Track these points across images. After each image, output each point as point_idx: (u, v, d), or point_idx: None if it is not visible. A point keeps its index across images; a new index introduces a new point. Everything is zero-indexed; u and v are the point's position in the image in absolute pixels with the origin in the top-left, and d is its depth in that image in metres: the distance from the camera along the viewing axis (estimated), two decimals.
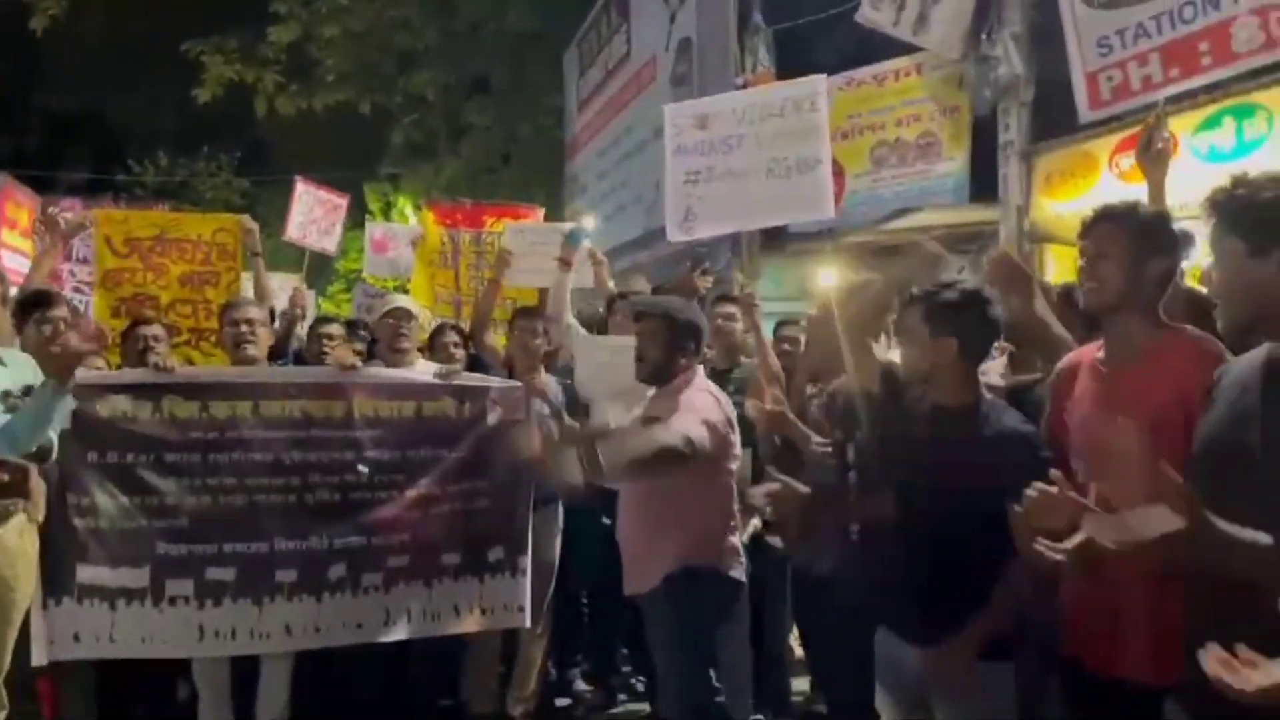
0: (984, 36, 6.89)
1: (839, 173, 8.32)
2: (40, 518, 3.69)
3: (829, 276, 3.75)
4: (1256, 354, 1.95)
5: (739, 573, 3.47)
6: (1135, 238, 2.36)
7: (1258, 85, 5.39)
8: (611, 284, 5.39)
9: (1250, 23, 4.80)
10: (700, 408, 3.28)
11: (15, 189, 9.58)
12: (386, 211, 17.42)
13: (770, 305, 6.84)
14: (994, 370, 3.14)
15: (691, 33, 10.08)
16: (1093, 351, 2.50)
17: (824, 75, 4.60)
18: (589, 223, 5.75)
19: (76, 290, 6.42)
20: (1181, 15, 5.20)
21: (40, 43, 17.72)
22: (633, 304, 3.96)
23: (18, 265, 6.51)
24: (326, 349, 4.64)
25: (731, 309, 4.78)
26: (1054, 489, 1.87)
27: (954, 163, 7.73)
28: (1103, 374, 2.42)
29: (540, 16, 16.36)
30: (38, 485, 3.64)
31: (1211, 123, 5.74)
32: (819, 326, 3.51)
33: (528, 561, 4.39)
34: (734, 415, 3.50)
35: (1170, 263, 2.40)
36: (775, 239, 8.17)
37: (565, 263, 5.05)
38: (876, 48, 7.69)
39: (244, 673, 4.20)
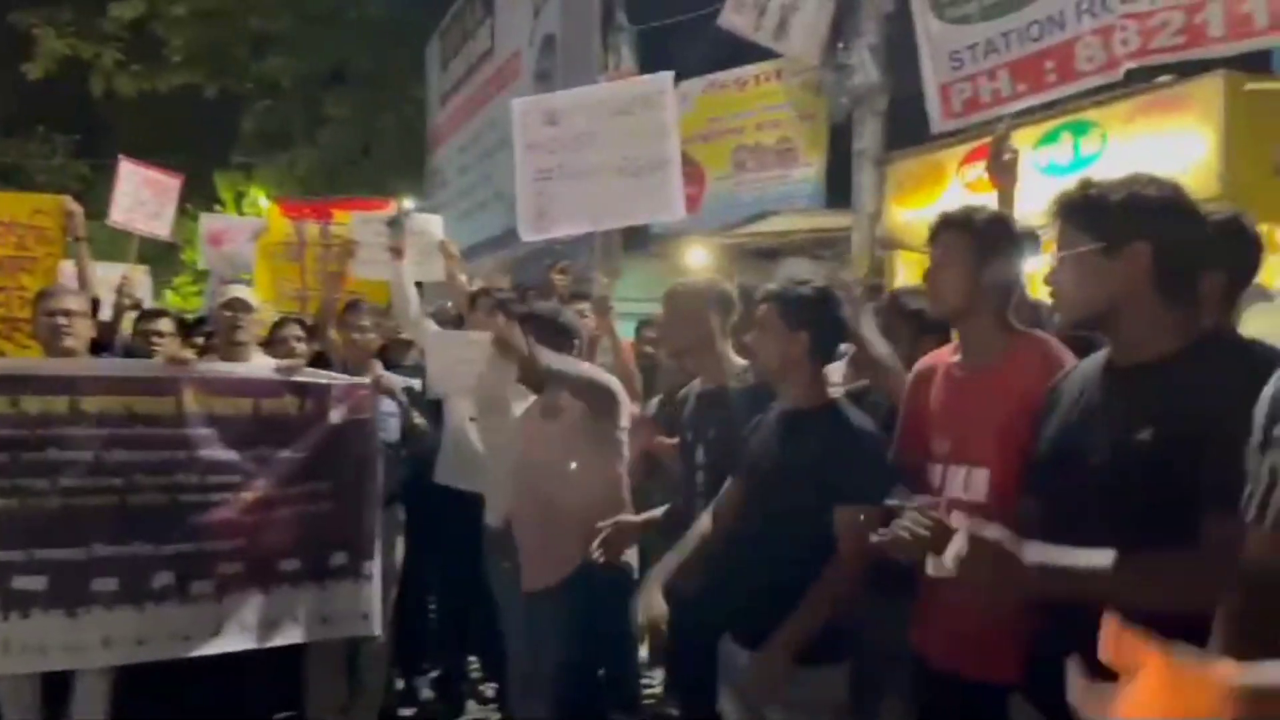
0: (841, 45, 7.04)
1: (699, 175, 8.40)
2: None
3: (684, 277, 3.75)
4: (1096, 358, 1.99)
5: (632, 569, 3.44)
6: (974, 243, 2.38)
7: (1092, 103, 5.66)
8: (464, 278, 5.25)
9: (1093, 42, 5.02)
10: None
11: None
12: (238, 202, 16.75)
13: (633, 305, 6.83)
14: (835, 372, 3.16)
15: (555, 29, 10.00)
16: (949, 354, 2.52)
17: (670, 73, 4.56)
18: (410, 205, 5.59)
19: None
20: (1029, 33, 5.40)
21: None
22: (522, 309, 3.88)
23: None
24: (155, 345, 4.36)
25: (585, 308, 4.73)
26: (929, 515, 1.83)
27: (811, 168, 7.89)
28: (957, 378, 2.44)
29: (401, 6, 15.99)
30: None
31: (1050, 138, 6.00)
32: (671, 327, 3.49)
33: (374, 566, 4.22)
34: None
35: (1010, 266, 2.42)
36: (637, 239, 8.17)
37: (396, 252, 4.90)
38: (740, 52, 7.77)
39: (58, 683, 3.89)
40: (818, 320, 2.65)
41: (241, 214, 14.61)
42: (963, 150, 6.35)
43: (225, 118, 17.78)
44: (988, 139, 5.79)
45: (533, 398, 3.71)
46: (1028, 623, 1.96)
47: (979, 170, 5.68)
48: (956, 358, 2.47)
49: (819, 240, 7.56)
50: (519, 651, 3.73)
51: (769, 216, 7.92)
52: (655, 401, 4.29)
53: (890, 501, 1.90)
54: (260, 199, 16.41)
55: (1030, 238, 2.51)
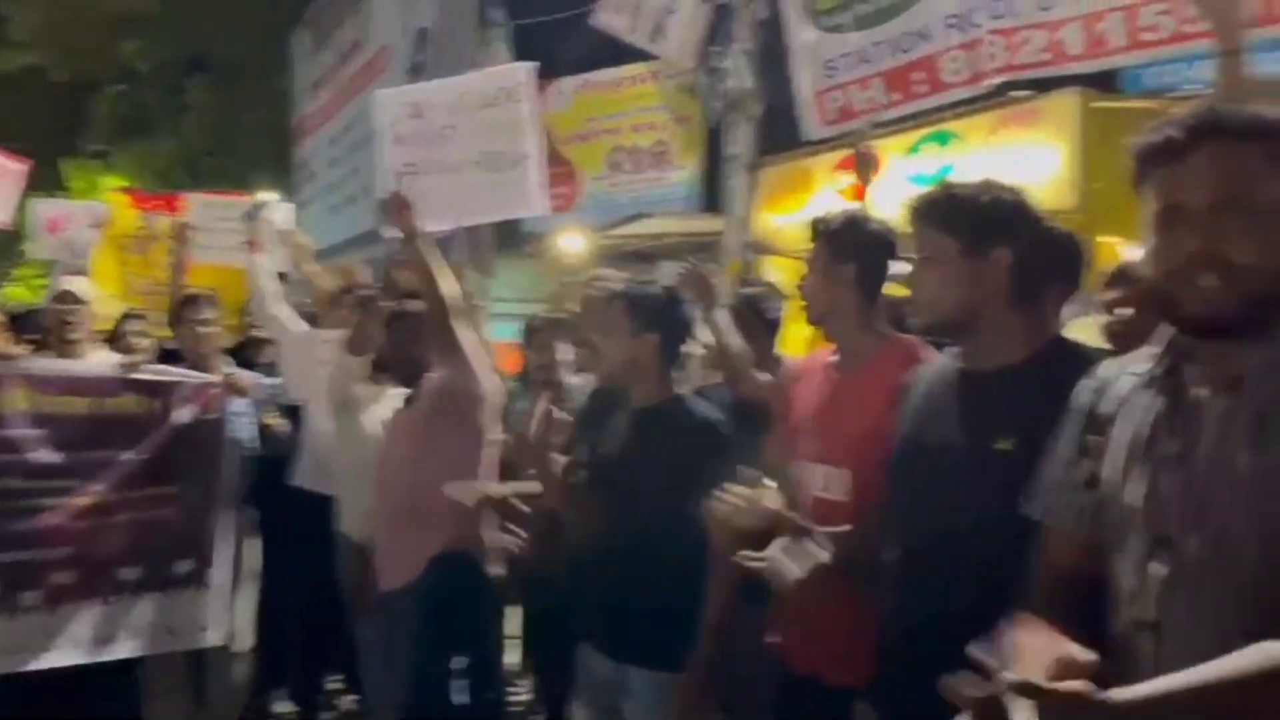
0: (715, 50, 7.08)
1: (574, 174, 8.35)
2: None
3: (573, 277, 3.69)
4: (945, 362, 2.01)
5: (496, 568, 3.33)
6: (828, 247, 2.40)
7: (956, 115, 5.83)
8: (318, 272, 5.03)
9: (960, 56, 5.16)
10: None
11: None
12: (91, 192, 15.90)
13: (506, 306, 6.73)
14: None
15: (429, 22, 9.79)
16: (826, 355, 2.53)
17: (532, 64, 4.49)
18: (273, 198, 5.39)
19: None
20: (900, 44, 5.52)
21: None
22: (398, 308, 3.72)
23: None
24: None
25: None
26: (745, 490, 1.84)
27: (685, 171, 7.92)
28: (828, 379, 2.45)
29: None
30: None
31: (917, 148, 6.16)
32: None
33: (221, 574, 4.02)
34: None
35: (865, 268, 2.43)
36: (511, 238, 8.06)
37: (252, 244, 4.69)
38: (619, 51, 7.73)
39: None
40: (665, 321, 2.64)
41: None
42: (833, 157, 6.45)
43: (75, 103, 16.85)
44: (860, 147, 5.95)
45: (391, 395, 3.59)
46: (873, 624, 1.96)
47: (849, 179, 5.78)
48: (833, 359, 2.49)
49: (693, 243, 7.59)
50: (373, 659, 3.59)
51: (644, 218, 7.92)
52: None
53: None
54: (112, 189, 15.63)
55: (895, 242, 2.53)
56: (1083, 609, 1.42)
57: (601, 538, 2.67)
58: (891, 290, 2.48)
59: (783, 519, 1.99)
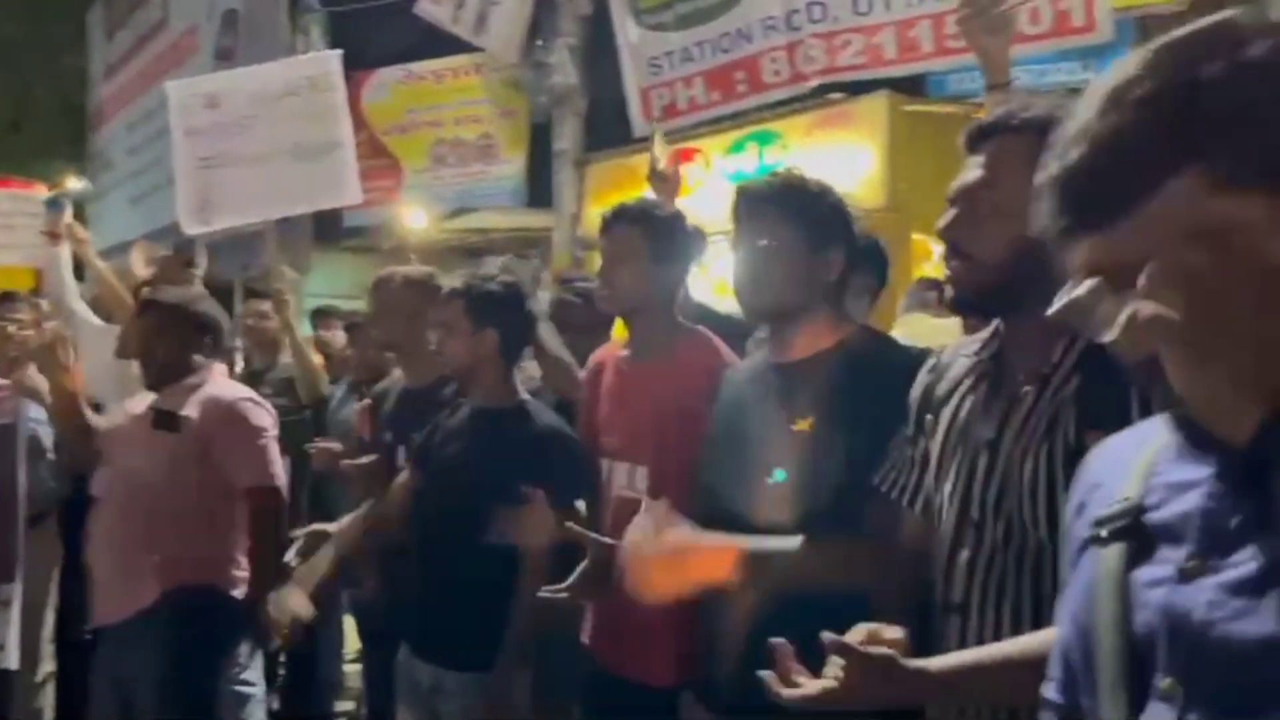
0: (540, 44, 7.04)
1: (396, 167, 8.14)
2: None
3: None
4: (757, 359, 2.08)
5: (241, 592, 3.02)
6: (648, 237, 2.38)
7: (776, 115, 6.00)
8: (100, 264, 4.71)
9: (780, 57, 5.31)
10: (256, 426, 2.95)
11: None
12: None
13: (323, 301, 6.48)
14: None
15: (237, 4, 9.31)
16: (618, 349, 2.54)
17: (338, 52, 4.39)
18: (75, 186, 5.03)
19: None
20: (721, 44, 5.63)
21: None
22: (146, 296, 3.43)
23: None
24: None
25: (265, 306, 4.42)
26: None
27: (512, 166, 7.84)
28: (624, 373, 2.45)
29: None
30: None
31: (738, 147, 6.31)
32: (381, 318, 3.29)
33: (13, 592, 3.70)
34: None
35: (682, 263, 2.46)
36: (329, 232, 7.78)
37: (52, 235, 4.37)
38: (439, 43, 7.57)
39: None
40: (506, 318, 2.58)
41: None
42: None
43: None
44: (685, 144, 6.04)
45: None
46: (692, 622, 1.98)
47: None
48: (626, 353, 2.49)
49: (522, 239, 7.54)
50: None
51: (470, 213, 7.80)
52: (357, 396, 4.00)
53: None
54: None
55: (700, 236, 2.56)
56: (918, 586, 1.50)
57: (428, 541, 2.61)
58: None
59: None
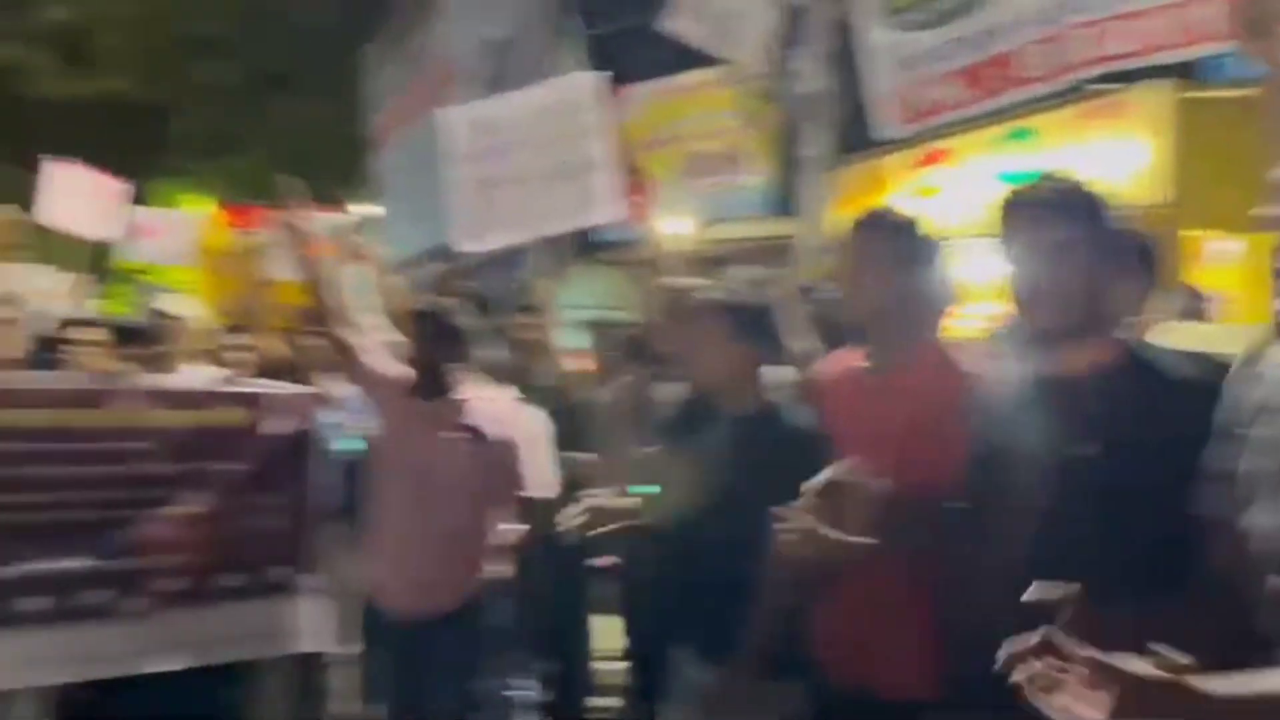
0: (787, 52, 7.04)
1: (646, 181, 8.35)
2: None
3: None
4: (1026, 367, 1.98)
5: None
6: (897, 246, 2.35)
7: (1032, 110, 5.73)
8: (391, 281, 5.12)
9: (1043, 50, 5.07)
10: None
11: None
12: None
13: (582, 314, 6.76)
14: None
15: (504, 34, 9.90)
16: (852, 359, 2.51)
17: (598, 73, 4.53)
18: (361, 209, 5.51)
19: None
20: (977, 41, 5.44)
21: None
22: (420, 309, 3.74)
23: None
24: (66, 354, 4.17)
25: (529, 317, 4.66)
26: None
27: (758, 176, 7.87)
28: (862, 384, 2.42)
29: (343, 8, 15.80)
30: None
31: (993, 146, 6.07)
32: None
33: (317, 582, 4.10)
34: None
35: (926, 270, 2.41)
36: (585, 246, 8.11)
37: (339, 255, 4.79)
38: (692, 58, 7.73)
39: None
40: (761, 331, 2.61)
41: None
42: (909, 156, 6.40)
43: (159, 123, 17.41)
44: (937, 144, 5.90)
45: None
46: (938, 639, 1.92)
47: (927, 176, 5.72)
48: (864, 363, 2.45)
49: (768, 248, 7.56)
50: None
51: (717, 224, 7.91)
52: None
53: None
54: (199, 205, 16.09)
55: (939, 244, 2.50)
56: None
57: (698, 545, 2.66)
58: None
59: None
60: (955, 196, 5.40)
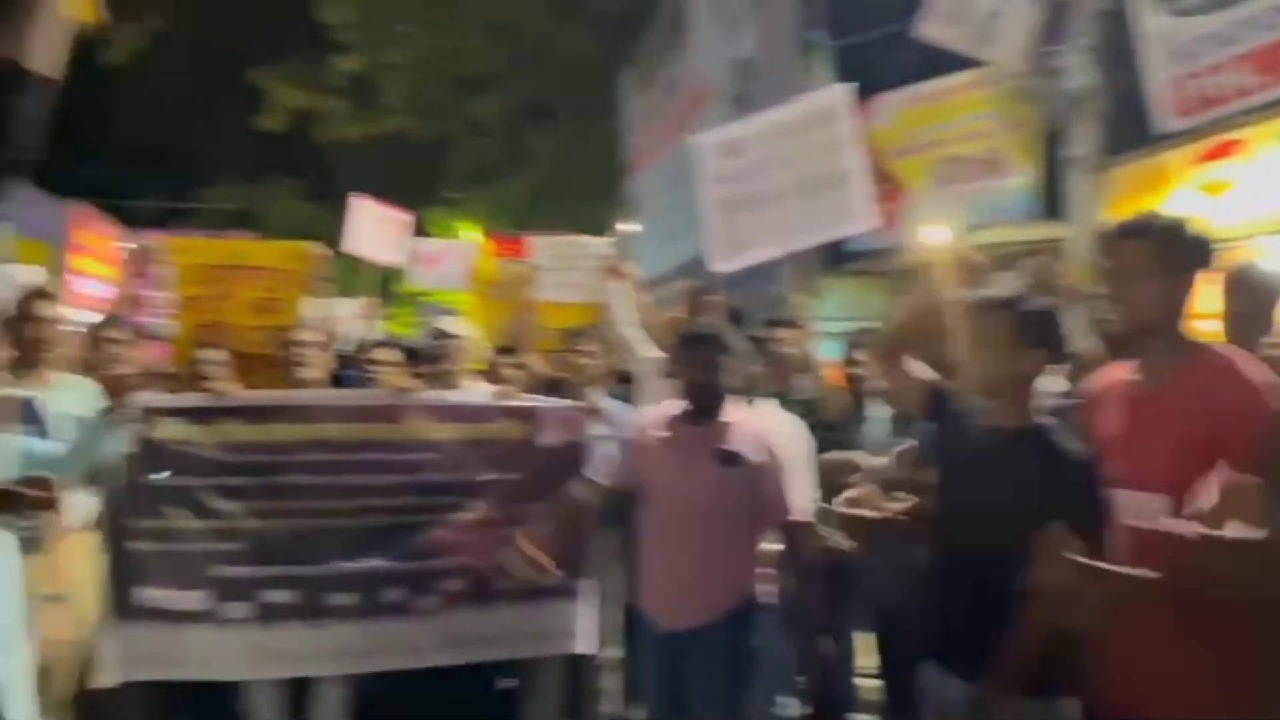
0: (1051, 49, 6.73)
1: (898, 190, 8.20)
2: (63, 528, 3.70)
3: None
4: None
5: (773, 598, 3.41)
6: (1174, 254, 2.25)
7: None
8: (647, 299, 5.25)
9: None
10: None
11: (94, 218, 9.87)
12: (448, 237, 17.66)
13: (832, 326, 6.74)
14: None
15: (752, 52, 10.02)
16: (1121, 372, 2.40)
17: (848, 85, 4.48)
18: (627, 229, 5.73)
19: (158, 316, 6.48)
20: (1266, 21, 5.00)
21: (115, 76, 18.30)
22: (683, 330, 3.86)
23: (90, 291, 6.67)
24: (373, 373, 4.59)
25: (784, 332, 4.69)
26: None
27: (1021, 179, 7.55)
28: (1133, 397, 2.31)
29: (599, 40, 16.48)
30: (70, 499, 3.62)
31: None
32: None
33: (587, 586, 4.31)
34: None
35: (1191, 277, 2.30)
36: (836, 258, 8.05)
37: (615, 273, 4.96)
38: (942, 63, 7.54)
39: (295, 696, 4.17)
40: (1051, 338, 2.53)
41: None
42: (1191, 151, 5.93)
43: (434, 157, 18.84)
44: (1221, 138, 5.44)
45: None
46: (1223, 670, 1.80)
47: (1213, 171, 5.29)
48: (1135, 376, 2.34)
49: (1032, 253, 7.21)
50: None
51: (977, 230, 7.63)
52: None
53: None
54: (468, 233, 17.24)
55: (1212, 246, 2.34)
56: None
57: (954, 556, 2.62)
58: None
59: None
60: (1248, 192, 4.95)
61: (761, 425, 3.41)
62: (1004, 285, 2.89)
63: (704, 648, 3.33)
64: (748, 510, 3.34)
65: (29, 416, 3.62)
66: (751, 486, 3.33)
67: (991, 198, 7.71)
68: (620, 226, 5.58)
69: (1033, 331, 2.50)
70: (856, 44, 8.23)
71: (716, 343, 3.39)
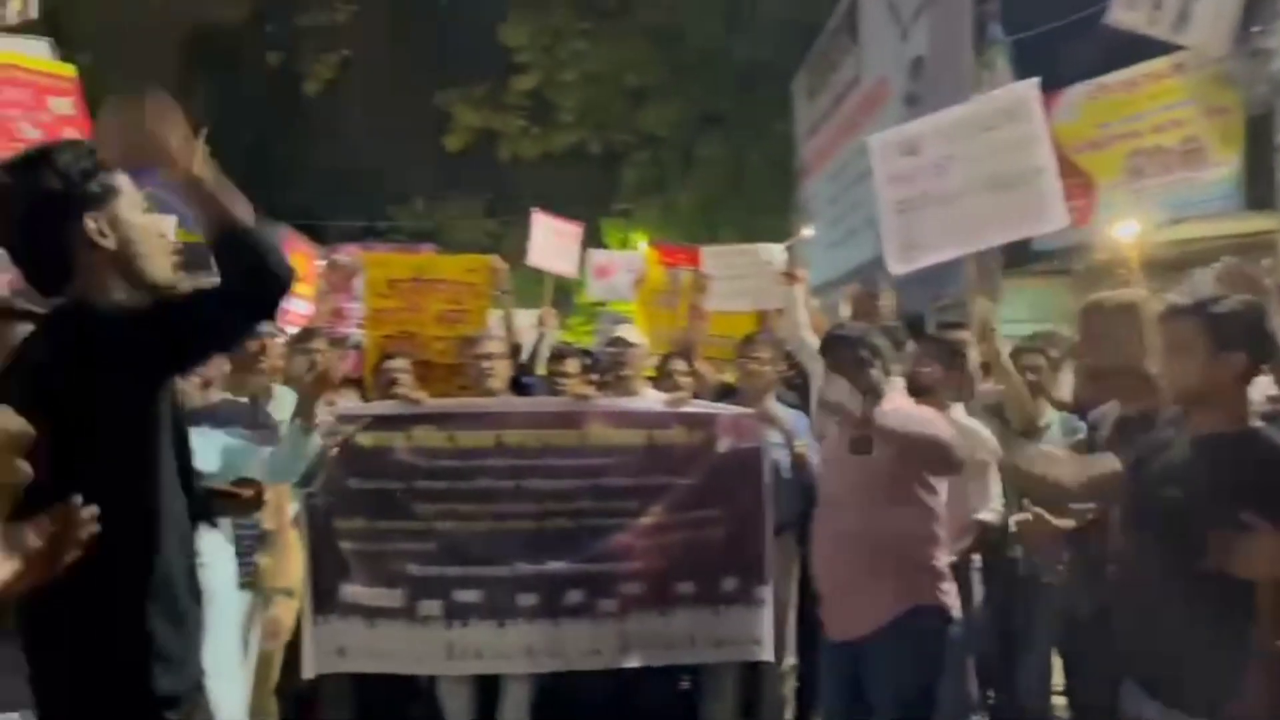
0: (1257, 29, 6.28)
1: (1088, 185, 7.82)
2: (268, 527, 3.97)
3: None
4: None
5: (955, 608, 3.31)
6: (1214, 332, 2.28)
7: None
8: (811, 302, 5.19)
9: None
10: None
11: (295, 239, 10.56)
12: (622, 247, 17.94)
13: (1014, 328, 6.50)
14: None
15: (924, 51, 9.78)
16: None
17: (1034, 80, 4.30)
18: (805, 234, 5.68)
19: (359, 326, 6.84)
20: None
21: (311, 107, 19.55)
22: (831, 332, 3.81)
23: (295, 308, 7.14)
24: (561, 385, 4.71)
25: (962, 335, 4.55)
26: None
27: (1224, 168, 7.06)
28: None
29: (769, 45, 16.43)
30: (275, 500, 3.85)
31: None
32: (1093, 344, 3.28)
33: (766, 592, 4.31)
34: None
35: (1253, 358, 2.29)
36: (1019, 258, 7.75)
37: (790, 277, 4.94)
38: (1124, 51, 7.15)
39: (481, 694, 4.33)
40: (1251, 339, 2.39)
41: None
42: None
43: (608, 169, 19.24)
44: None
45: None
46: None
47: None
48: None
49: (1235, 247, 6.73)
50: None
51: (1174, 224, 7.19)
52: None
53: None
54: (640, 243, 17.48)
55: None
56: None
57: (1153, 571, 2.49)
58: None
59: None
60: None
61: (947, 426, 3.32)
62: (1194, 287, 2.73)
63: (879, 656, 3.27)
64: (895, 501, 3.26)
65: (249, 421, 3.93)
66: (896, 469, 3.25)
67: (1190, 190, 7.24)
68: (803, 231, 5.55)
69: (1228, 334, 2.38)
70: (1034, 37, 7.91)
71: (860, 343, 3.34)
